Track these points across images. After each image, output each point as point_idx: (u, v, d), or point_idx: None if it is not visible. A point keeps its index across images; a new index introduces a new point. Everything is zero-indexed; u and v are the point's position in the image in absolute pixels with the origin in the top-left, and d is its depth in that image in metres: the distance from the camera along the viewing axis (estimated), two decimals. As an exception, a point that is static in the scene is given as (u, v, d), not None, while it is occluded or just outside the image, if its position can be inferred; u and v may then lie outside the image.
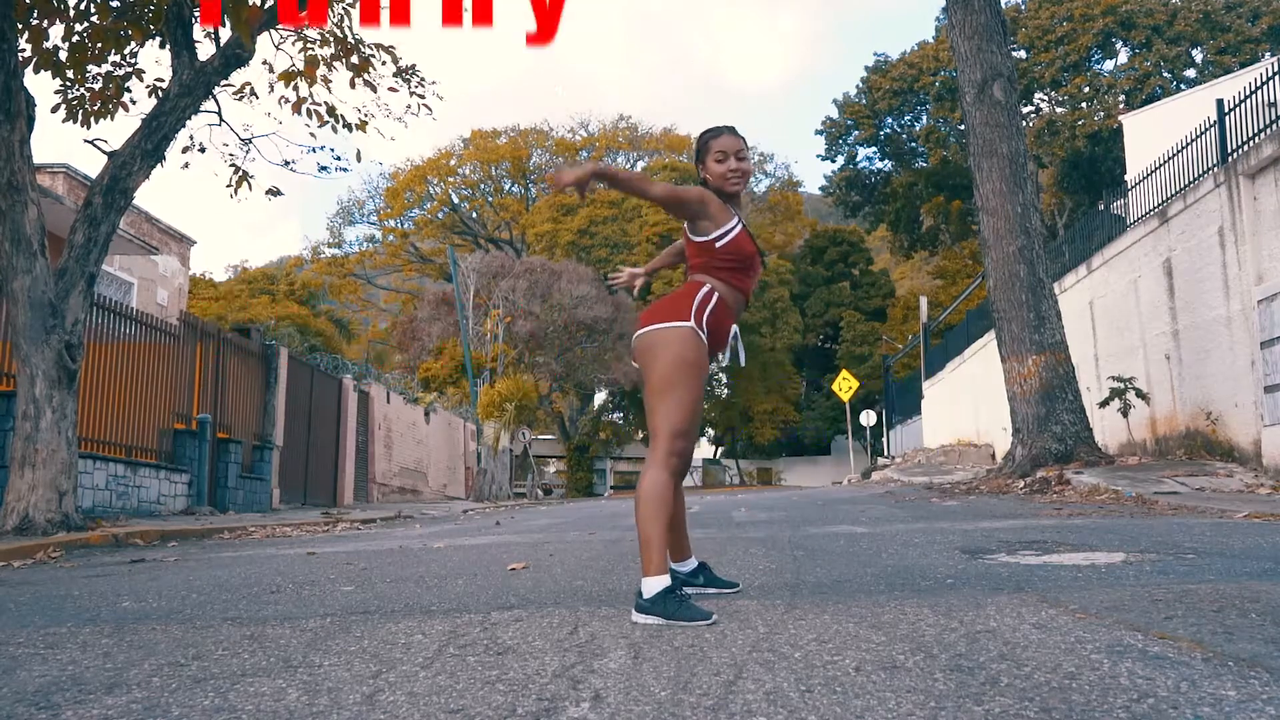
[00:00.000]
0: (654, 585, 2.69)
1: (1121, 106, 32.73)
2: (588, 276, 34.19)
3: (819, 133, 44.58)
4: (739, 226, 3.02)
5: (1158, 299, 11.36)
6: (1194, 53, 34.81)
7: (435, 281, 46.66)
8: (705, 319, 2.92)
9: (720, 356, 3.07)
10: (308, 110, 9.77)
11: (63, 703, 2.00)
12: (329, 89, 11.78)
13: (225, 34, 8.43)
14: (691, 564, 3.23)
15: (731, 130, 3.09)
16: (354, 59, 9.73)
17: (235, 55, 8.41)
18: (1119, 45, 36.19)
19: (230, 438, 13.29)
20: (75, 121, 8.72)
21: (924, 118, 42.62)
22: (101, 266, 8.23)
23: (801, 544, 5.19)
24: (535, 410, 30.48)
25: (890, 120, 43.44)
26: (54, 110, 8.65)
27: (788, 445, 47.44)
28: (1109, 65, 36.82)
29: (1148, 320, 11.71)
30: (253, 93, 9.92)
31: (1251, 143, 9.44)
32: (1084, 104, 35.18)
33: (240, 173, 9.89)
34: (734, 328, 3.04)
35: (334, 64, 9.69)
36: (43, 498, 7.33)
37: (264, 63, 9.78)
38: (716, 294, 2.97)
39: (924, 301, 30.30)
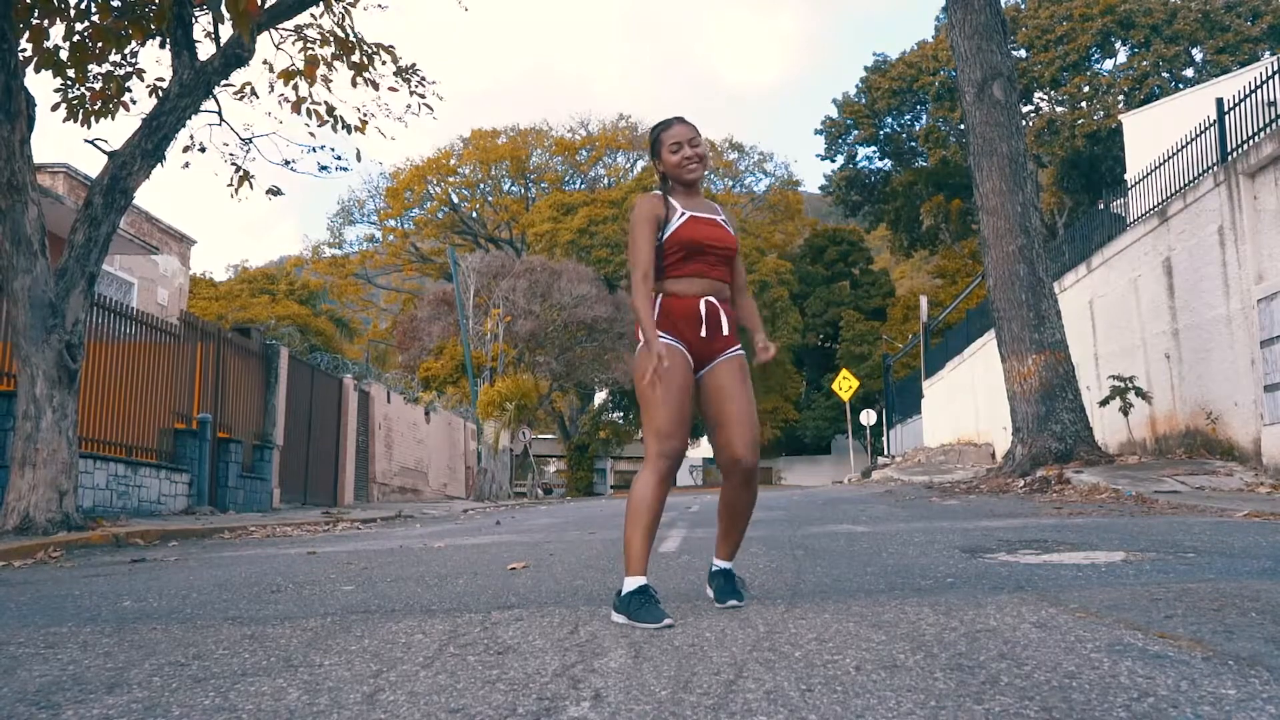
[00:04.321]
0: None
1: (1120, 106, 32.73)
2: (588, 276, 34.19)
3: (819, 132, 44.61)
4: (684, 217, 3.01)
5: (1158, 298, 11.36)
6: (1193, 52, 34.79)
7: (435, 281, 46.65)
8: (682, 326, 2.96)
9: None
10: (308, 110, 9.77)
11: (63, 702, 2.00)
12: (329, 89, 11.79)
13: (225, 33, 8.43)
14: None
15: (681, 120, 3.13)
16: (354, 58, 9.72)
17: (235, 55, 8.41)
18: (1118, 45, 36.17)
19: (230, 437, 13.28)
20: (75, 121, 8.72)
21: (924, 117, 42.60)
22: (102, 266, 8.23)
23: (802, 543, 5.19)
24: (535, 410, 30.49)
25: (890, 120, 43.43)
26: (54, 110, 8.65)
27: (788, 445, 47.45)
28: (1108, 65, 36.84)
29: (1148, 319, 11.70)
30: (253, 92, 9.92)
31: (1251, 142, 9.44)
32: (1083, 103, 35.17)
33: (241, 172, 9.88)
34: (700, 303, 2.97)
35: (334, 63, 9.69)
36: (43, 497, 7.33)
37: (264, 62, 9.78)
38: (659, 299, 2.97)
39: (924, 301, 30.29)
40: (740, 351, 3.04)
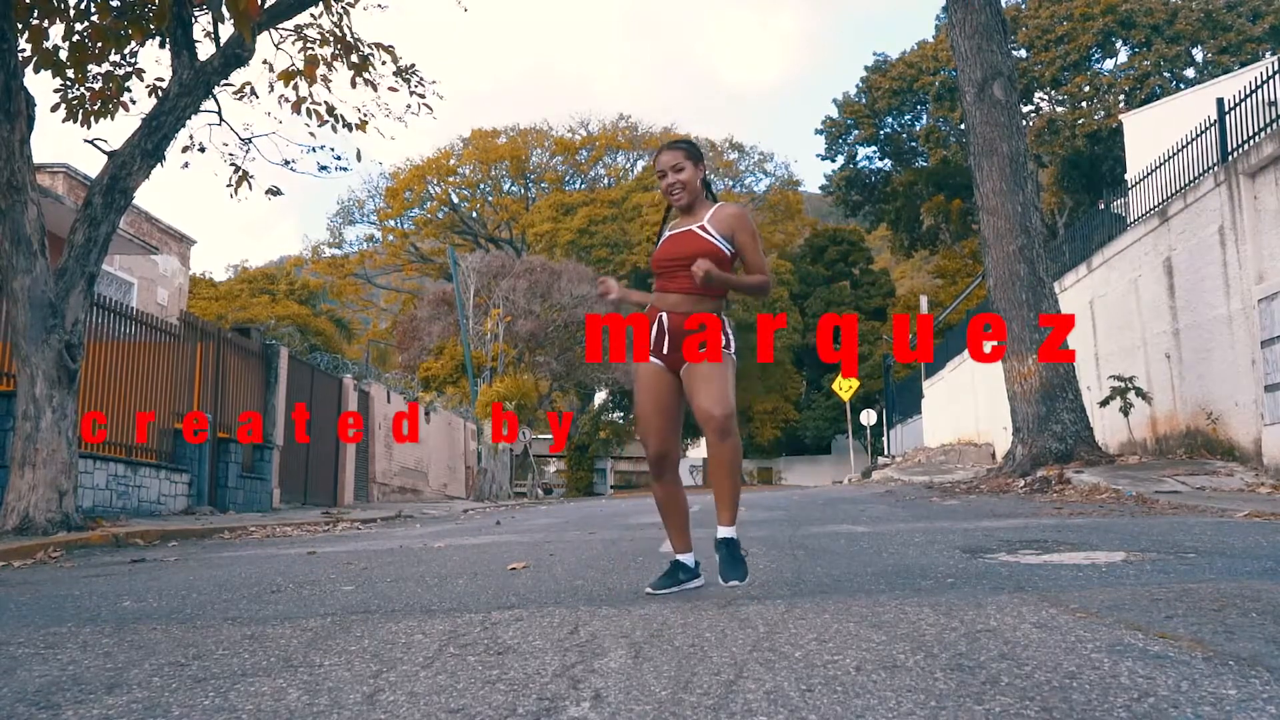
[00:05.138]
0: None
1: (1121, 106, 32.72)
2: (588, 276, 34.12)
3: (819, 132, 44.56)
4: (661, 241, 3.29)
5: (1158, 298, 11.35)
6: (1194, 52, 34.77)
7: (435, 281, 46.62)
8: (648, 343, 3.27)
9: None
10: (308, 110, 9.77)
11: (63, 702, 2.00)
12: (329, 89, 11.79)
13: (225, 33, 8.43)
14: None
15: (667, 147, 3.27)
16: (354, 58, 9.73)
17: (235, 55, 8.41)
18: (1119, 44, 36.15)
19: (230, 437, 13.28)
20: (75, 121, 8.71)
21: (924, 117, 42.56)
22: (101, 266, 8.22)
23: (802, 543, 5.19)
24: (535, 410, 30.49)
25: (890, 120, 43.38)
26: (54, 110, 8.65)
27: (788, 445, 47.43)
28: (1109, 64, 36.81)
29: (1148, 319, 11.70)
30: (253, 92, 9.92)
31: (1252, 141, 9.43)
32: (1084, 103, 35.16)
33: (240, 172, 9.88)
34: (656, 318, 3.24)
35: (334, 63, 9.69)
36: (43, 497, 7.33)
37: (264, 62, 9.78)
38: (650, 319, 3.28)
39: (924, 300, 30.30)
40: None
